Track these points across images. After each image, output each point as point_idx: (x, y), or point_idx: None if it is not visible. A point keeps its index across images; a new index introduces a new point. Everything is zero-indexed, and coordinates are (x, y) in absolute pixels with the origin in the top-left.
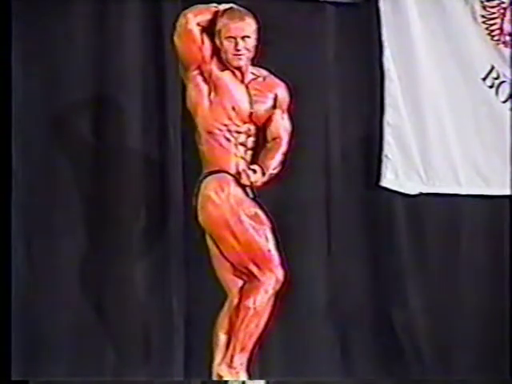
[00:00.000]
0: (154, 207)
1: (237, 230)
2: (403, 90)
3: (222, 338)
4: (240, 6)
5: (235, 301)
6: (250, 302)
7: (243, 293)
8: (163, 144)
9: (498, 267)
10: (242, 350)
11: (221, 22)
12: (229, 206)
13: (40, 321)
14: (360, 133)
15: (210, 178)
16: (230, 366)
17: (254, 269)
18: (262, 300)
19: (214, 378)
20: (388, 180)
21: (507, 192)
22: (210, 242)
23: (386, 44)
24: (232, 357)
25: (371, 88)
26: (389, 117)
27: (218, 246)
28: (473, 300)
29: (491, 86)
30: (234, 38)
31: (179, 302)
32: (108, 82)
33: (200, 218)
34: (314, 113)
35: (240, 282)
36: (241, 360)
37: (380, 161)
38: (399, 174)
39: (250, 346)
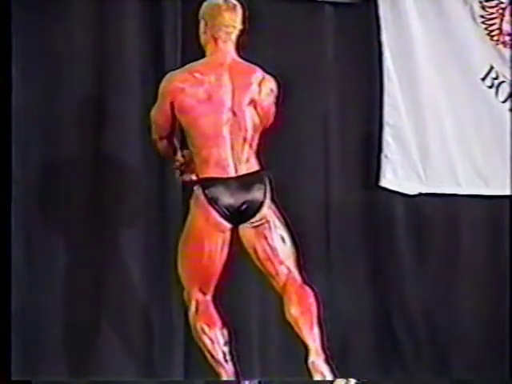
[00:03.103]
0: (153, 207)
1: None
2: (402, 90)
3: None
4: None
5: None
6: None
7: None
8: None
9: (497, 267)
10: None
11: None
12: None
13: (40, 321)
14: (359, 133)
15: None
16: (329, 363)
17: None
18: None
19: (317, 375)
20: (387, 180)
21: (507, 192)
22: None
23: (385, 44)
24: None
25: (370, 88)
26: (388, 117)
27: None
28: (472, 300)
29: (490, 86)
30: None
31: (179, 302)
32: (108, 82)
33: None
34: (314, 113)
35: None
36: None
37: (379, 161)
38: (398, 174)
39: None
